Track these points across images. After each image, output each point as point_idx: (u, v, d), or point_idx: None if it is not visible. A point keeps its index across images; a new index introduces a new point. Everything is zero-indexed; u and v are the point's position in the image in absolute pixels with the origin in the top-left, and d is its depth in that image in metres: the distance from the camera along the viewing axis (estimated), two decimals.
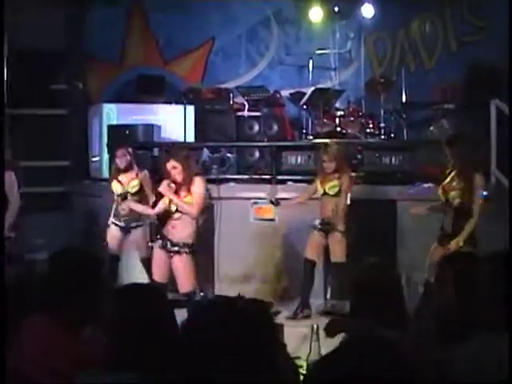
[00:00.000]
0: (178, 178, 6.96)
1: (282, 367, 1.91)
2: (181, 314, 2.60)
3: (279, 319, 7.09)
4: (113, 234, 8.57)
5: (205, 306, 1.98)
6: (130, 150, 8.60)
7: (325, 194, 8.14)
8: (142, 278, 8.30)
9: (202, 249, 8.32)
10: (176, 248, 6.97)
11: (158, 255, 7.11)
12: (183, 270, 6.99)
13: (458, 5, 12.12)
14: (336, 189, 8.09)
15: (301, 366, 3.41)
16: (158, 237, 7.16)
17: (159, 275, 7.11)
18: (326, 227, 8.09)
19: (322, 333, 3.58)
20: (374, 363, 1.74)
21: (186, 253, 6.97)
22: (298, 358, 3.90)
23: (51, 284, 3.27)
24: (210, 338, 1.82)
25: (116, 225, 8.55)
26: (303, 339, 5.40)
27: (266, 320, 1.90)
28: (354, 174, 8.46)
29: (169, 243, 6.99)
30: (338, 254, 8.05)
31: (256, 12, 12.81)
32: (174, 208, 7.02)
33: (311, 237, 8.23)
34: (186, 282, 7.00)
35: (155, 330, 2.56)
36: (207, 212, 9.03)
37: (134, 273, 8.70)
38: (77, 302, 3.17)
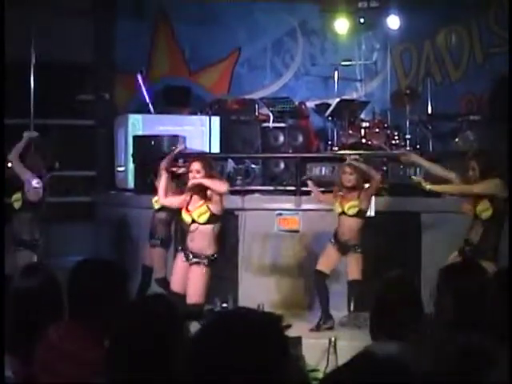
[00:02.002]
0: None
1: (291, 381, 1.90)
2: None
3: (301, 331, 7.05)
4: (151, 250, 8.72)
5: (211, 318, 1.98)
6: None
7: (343, 213, 7.99)
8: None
9: (225, 259, 8.36)
10: (196, 259, 7.02)
11: (179, 266, 7.19)
12: (196, 280, 7.02)
13: (485, 16, 12.05)
14: (355, 209, 7.93)
15: (316, 379, 3.40)
16: (180, 248, 7.31)
17: (178, 286, 7.15)
18: (344, 247, 8.00)
19: (339, 345, 3.57)
20: (384, 379, 1.74)
21: (204, 264, 7.01)
22: (317, 370, 3.89)
23: (73, 293, 3.27)
24: (216, 351, 1.81)
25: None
26: (325, 351, 5.37)
27: (274, 333, 1.88)
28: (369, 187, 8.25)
29: (190, 255, 7.06)
30: (356, 272, 7.96)
31: (282, 23, 12.84)
32: (189, 219, 7.05)
33: (326, 250, 8.15)
34: (196, 292, 7.01)
35: (167, 343, 2.55)
36: (231, 223, 9.07)
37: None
38: (98, 312, 3.16)
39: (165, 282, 8.65)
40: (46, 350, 3.16)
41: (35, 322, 3.37)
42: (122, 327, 2.66)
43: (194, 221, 7.04)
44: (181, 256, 7.17)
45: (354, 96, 12.20)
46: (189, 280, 7.04)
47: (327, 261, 8.13)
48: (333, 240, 8.08)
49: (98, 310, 3.16)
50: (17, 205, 8.13)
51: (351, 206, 7.96)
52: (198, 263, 7.01)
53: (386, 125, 11.07)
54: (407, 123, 10.97)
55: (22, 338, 3.39)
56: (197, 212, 7.02)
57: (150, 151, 9.89)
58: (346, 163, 8.23)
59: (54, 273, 3.76)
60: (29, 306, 3.51)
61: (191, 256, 7.04)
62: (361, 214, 7.99)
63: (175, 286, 7.19)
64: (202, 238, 7.04)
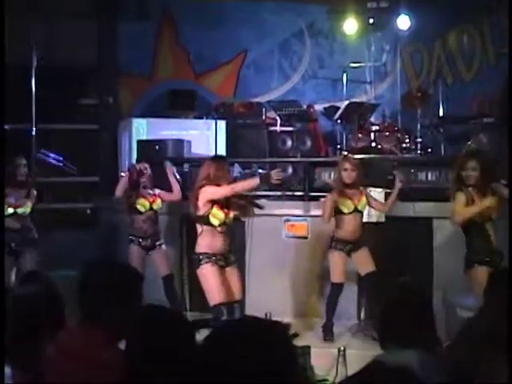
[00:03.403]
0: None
1: None
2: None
3: (309, 340, 6.85)
4: (135, 253, 8.51)
5: (219, 327, 1.97)
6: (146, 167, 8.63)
7: (355, 211, 7.84)
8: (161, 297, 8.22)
9: None
10: (230, 260, 6.98)
11: (214, 273, 6.84)
12: (239, 278, 7.10)
13: (496, 15, 11.95)
14: (366, 205, 7.93)
15: None
16: (207, 255, 6.86)
17: (224, 294, 6.86)
18: (353, 246, 7.83)
19: (348, 354, 3.47)
20: None
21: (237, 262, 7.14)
22: (326, 380, 3.80)
23: (87, 294, 3.26)
24: (223, 360, 1.82)
25: (139, 244, 8.50)
26: (334, 361, 5.21)
27: (282, 342, 1.89)
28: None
29: (232, 257, 7.03)
30: (370, 264, 7.83)
31: (289, 24, 12.84)
32: (221, 216, 6.84)
33: (335, 259, 7.90)
34: (240, 290, 7.08)
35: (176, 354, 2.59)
36: (238, 229, 8.87)
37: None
38: (111, 313, 3.15)
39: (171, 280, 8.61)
40: (58, 352, 3.15)
41: (32, 330, 3.36)
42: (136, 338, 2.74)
43: (225, 222, 6.91)
44: (211, 262, 6.82)
45: (364, 98, 12.17)
46: (232, 281, 6.96)
47: (340, 269, 7.90)
48: (338, 246, 7.85)
49: (111, 312, 3.14)
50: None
51: (364, 202, 7.91)
52: (234, 262, 7.04)
53: (396, 128, 11.00)
54: (418, 126, 10.90)
55: (22, 347, 3.35)
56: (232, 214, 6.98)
57: (154, 156, 9.74)
58: (343, 159, 8.04)
59: (52, 280, 3.73)
60: (26, 314, 3.45)
61: (223, 260, 6.89)
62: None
63: (223, 296, 6.83)
64: (228, 239, 7.01)
